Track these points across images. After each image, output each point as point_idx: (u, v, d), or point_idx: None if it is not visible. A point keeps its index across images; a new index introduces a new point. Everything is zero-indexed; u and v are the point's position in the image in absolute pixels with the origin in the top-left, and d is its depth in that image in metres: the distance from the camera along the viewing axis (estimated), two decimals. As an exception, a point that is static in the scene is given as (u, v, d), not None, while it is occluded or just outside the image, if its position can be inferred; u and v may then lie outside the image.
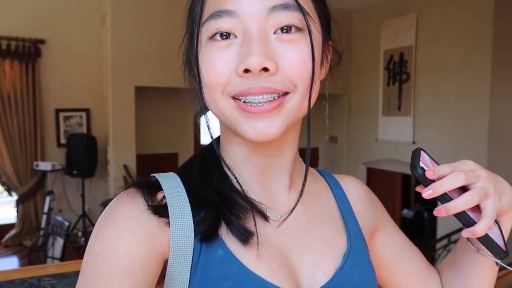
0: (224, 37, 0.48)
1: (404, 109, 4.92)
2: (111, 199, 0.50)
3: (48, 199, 4.60)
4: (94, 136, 4.99)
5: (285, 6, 0.47)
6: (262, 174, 0.56)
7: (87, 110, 5.17)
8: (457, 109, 4.37)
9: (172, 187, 0.51)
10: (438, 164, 0.53)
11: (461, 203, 0.48)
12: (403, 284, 0.67)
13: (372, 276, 0.59)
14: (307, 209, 0.57)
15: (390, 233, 0.68)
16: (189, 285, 0.47)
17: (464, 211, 0.48)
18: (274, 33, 0.48)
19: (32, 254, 4.29)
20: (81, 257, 0.50)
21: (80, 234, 4.90)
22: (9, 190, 5.02)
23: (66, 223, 3.84)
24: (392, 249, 0.67)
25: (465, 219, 0.49)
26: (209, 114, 0.55)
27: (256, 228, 0.51)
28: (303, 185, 0.56)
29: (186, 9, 0.54)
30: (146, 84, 4.64)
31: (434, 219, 5.34)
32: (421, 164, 0.50)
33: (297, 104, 0.49)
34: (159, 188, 0.51)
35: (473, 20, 4.18)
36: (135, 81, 4.59)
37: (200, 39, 0.51)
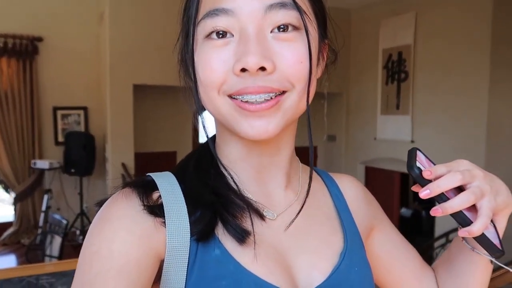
0: (221, 35, 0.48)
1: (402, 108, 4.92)
2: (106, 199, 0.50)
3: (46, 197, 4.60)
4: (92, 135, 4.98)
5: (282, 5, 0.47)
6: (259, 173, 0.56)
7: (85, 108, 5.16)
8: (456, 108, 4.38)
9: (168, 186, 0.51)
10: (434, 164, 0.53)
11: (457, 203, 0.48)
12: (399, 282, 0.67)
13: (369, 274, 0.59)
14: (304, 208, 0.57)
15: (386, 231, 0.68)
16: (185, 285, 0.47)
17: (460, 211, 0.49)
18: (271, 32, 0.48)
19: (30, 253, 4.29)
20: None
21: (78, 232, 4.90)
22: (6, 188, 5.01)
23: (64, 222, 3.84)
24: (388, 248, 0.67)
25: (462, 219, 0.49)
26: (205, 113, 0.54)
27: (252, 227, 0.51)
28: (308, 190, 0.55)
29: (181, 7, 0.54)
30: (145, 82, 4.63)
31: (432, 217, 5.35)
32: (418, 164, 0.50)
33: (294, 103, 0.49)
34: (154, 187, 0.51)
35: (472, 19, 4.18)
36: (134, 79, 4.59)
37: (196, 37, 0.50)
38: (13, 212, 5.04)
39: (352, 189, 0.67)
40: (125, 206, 0.48)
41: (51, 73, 4.94)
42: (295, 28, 0.48)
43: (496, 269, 2.01)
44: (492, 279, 1.99)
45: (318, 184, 0.64)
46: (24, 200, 4.94)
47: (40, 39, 4.84)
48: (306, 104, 0.50)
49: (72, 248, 4.54)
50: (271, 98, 0.48)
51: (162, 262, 0.48)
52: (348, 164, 5.86)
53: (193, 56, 0.51)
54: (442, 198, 0.48)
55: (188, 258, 0.48)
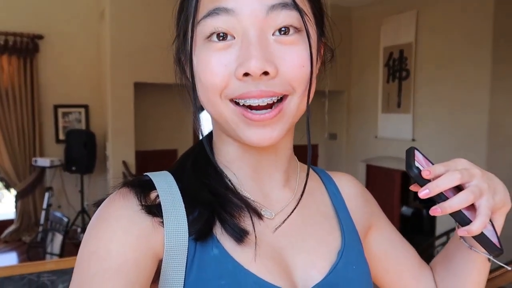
0: (221, 38, 0.47)
1: (403, 106, 4.92)
2: (104, 199, 0.50)
3: (47, 195, 4.60)
4: (93, 132, 4.99)
5: (283, 5, 0.47)
6: (256, 173, 0.56)
7: (86, 106, 5.16)
8: (457, 107, 4.37)
9: (165, 186, 0.51)
10: (432, 163, 0.53)
11: (457, 202, 0.48)
12: (397, 281, 0.67)
13: (367, 272, 0.59)
14: (301, 207, 0.57)
15: (384, 230, 0.68)
16: (184, 284, 0.47)
17: (459, 210, 0.49)
18: (273, 34, 0.48)
19: (31, 250, 4.30)
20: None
21: (79, 230, 4.91)
22: (7, 186, 5.02)
23: (65, 219, 3.84)
24: (385, 246, 0.67)
25: (461, 218, 0.49)
26: (203, 112, 0.54)
27: (253, 227, 0.51)
28: (304, 189, 0.55)
29: (176, 5, 0.53)
30: (146, 80, 4.62)
31: (433, 216, 5.34)
32: (416, 164, 0.50)
33: (295, 107, 0.50)
34: (152, 187, 0.51)
35: (473, 17, 4.17)
36: (134, 77, 4.59)
37: (195, 38, 0.49)
38: (14, 209, 5.05)
39: (350, 188, 0.67)
40: (123, 206, 0.48)
41: (52, 71, 4.94)
42: (296, 30, 0.48)
43: (497, 268, 2.01)
44: (493, 278, 1.99)
45: (316, 182, 0.64)
46: (25, 197, 4.95)
47: (40, 37, 4.84)
48: (306, 105, 0.51)
49: (73, 246, 4.55)
50: (273, 102, 0.48)
51: (160, 262, 0.48)
52: (349, 163, 5.86)
53: (191, 57, 0.50)
54: (441, 197, 0.48)
55: (187, 257, 0.48)
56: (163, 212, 0.48)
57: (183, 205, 0.50)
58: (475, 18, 4.15)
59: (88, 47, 5.06)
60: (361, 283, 0.57)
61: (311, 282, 0.52)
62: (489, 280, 1.97)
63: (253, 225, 0.51)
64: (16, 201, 4.98)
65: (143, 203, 0.48)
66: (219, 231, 0.50)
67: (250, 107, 0.48)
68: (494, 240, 0.51)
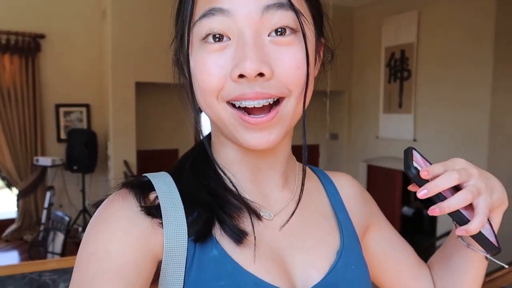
0: (217, 39, 0.47)
1: (405, 106, 4.91)
2: (103, 200, 0.50)
3: (48, 194, 4.61)
4: (94, 132, 4.99)
5: (279, 5, 0.47)
6: (255, 175, 0.56)
7: (87, 106, 5.17)
8: (458, 106, 4.36)
9: (164, 187, 0.51)
10: (430, 163, 0.54)
11: (455, 202, 0.48)
12: (395, 280, 0.68)
13: (365, 272, 0.59)
14: (300, 207, 0.57)
15: (383, 230, 0.68)
16: (183, 285, 0.47)
17: (458, 210, 0.49)
18: (269, 35, 0.47)
19: (33, 249, 4.31)
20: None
21: (80, 229, 4.92)
22: (9, 185, 5.03)
23: (67, 218, 3.85)
24: (384, 246, 0.67)
25: (459, 217, 0.49)
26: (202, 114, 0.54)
27: (253, 228, 0.51)
28: (301, 190, 0.55)
29: (174, 6, 0.53)
30: (147, 80, 4.63)
31: (434, 216, 5.33)
32: (415, 164, 0.50)
33: (292, 109, 0.49)
34: (151, 188, 0.51)
35: (474, 17, 4.16)
36: (136, 76, 4.59)
37: (192, 39, 0.49)
38: (15, 208, 5.06)
39: (349, 188, 0.67)
40: (122, 207, 0.48)
41: (54, 70, 4.94)
42: (292, 31, 0.48)
43: (497, 269, 2.00)
44: (495, 279, 1.98)
45: (314, 183, 0.64)
46: (26, 197, 4.96)
47: (42, 36, 4.84)
48: (302, 110, 0.50)
49: (74, 245, 4.56)
50: (269, 103, 0.48)
51: (160, 263, 0.48)
52: (350, 163, 5.85)
53: (188, 58, 0.50)
54: (439, 197, 0.49)
55: (186, 258, 0.48)
56: (162, 213, 0.48)
57: (182, 206, 0.50)
58: (477, 17, 4.14)
59: (90, 46, 5.07)
60: (361, 283, 0.57)
61: (311, 282, 0.53)
62: (490, 281, 1.97)
63: (252, 226, 0.51)
64: (17, 200, 5.00)
65: (143, 204, 0.48)
66: (218, 232, 0.50)
67: (247, 110, 0.48)
68: (492, 238, 0.51)
